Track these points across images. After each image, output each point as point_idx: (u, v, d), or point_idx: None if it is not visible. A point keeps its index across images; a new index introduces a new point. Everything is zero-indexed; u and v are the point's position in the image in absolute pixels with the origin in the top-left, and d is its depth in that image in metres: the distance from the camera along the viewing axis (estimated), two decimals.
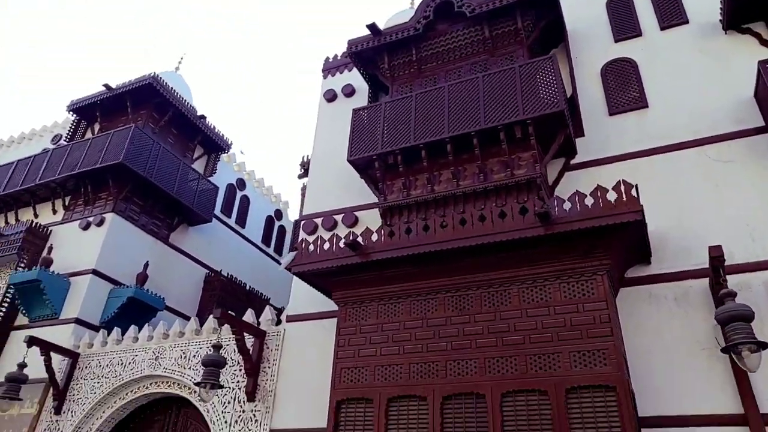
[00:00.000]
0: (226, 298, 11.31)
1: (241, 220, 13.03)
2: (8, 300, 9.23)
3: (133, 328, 8.15)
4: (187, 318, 9.72)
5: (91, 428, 7.60)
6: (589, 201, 5.14)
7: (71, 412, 7.70)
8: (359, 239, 5.85)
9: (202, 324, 7.74)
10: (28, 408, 8.00)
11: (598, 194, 4.96)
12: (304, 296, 7.02)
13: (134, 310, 9.21)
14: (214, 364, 6.02)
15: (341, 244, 6.00)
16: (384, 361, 5.45)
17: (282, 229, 14.58)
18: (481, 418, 4.81)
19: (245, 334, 6.73)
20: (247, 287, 12.04)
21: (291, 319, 6.96)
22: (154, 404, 7.73)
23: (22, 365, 7.47)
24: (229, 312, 6.42)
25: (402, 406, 5.17)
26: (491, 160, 6.21)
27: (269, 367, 6.70)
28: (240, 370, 6.83)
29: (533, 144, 6.02)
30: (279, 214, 14.64)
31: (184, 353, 7.36)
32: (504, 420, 4.72)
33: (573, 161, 6.50)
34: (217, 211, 12.11)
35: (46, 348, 7.76)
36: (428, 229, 5.58)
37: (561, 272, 5.08)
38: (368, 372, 5.46)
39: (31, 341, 7.56)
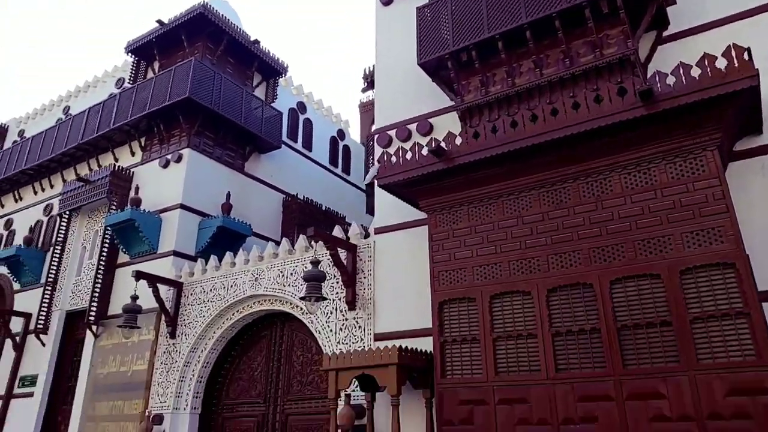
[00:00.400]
0: (305, 220, 11.61)
1: (307, 144, 13.08)
2: (108, 241, 9.83)
3: (229, 254, 8.56)
4: (274, 241, 10.08)
5: (205, 347, 8.23)
6: (695, 72, 4.73)
7: (185, 335, 8.33)
8: (442, 144, 5.72)
9: (293, 245, 8.01)
10: (146, 334, 8.72)
11: (705, 63, 4.56)
12: (389, 208, 7.06)
13: (224, 238, 9.63)
14: (315, 279, 6.25)
15: (424, 152, 5.91)
16: (481, 261, 5.48)
17: (346, 148, 14.57)
18: (590, 307, 4.81)
19: (338, 248, 6.92)
20: (323, 207, 12.30)
21: (379, 231, 7.07)
22: (259, 321, 8.23)
23: (134, 297, 8.06)
24: (318, 231, 6.56)
25: (505, 301, 5.24)
26: (576, 42, 5.80)
27: (365, 278, 6.91)
28: (337, 282, 7.09)
29: (622, 18, 5.54)
30: (341, 134, 14.58)
31: (281, 272, 7.69)
32: (615, 306, 4.70)
33: (665, 33, 5.97)
34: (284, 137, 12.17)
35: (153, 280, 8.30)
36: (516, 124, 5.36)
37: (666, 153, 4.81)
38: (467, 273, 5.53)
39: (138, 275, 8.09)
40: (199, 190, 9.88)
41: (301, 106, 13.33)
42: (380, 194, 7.18)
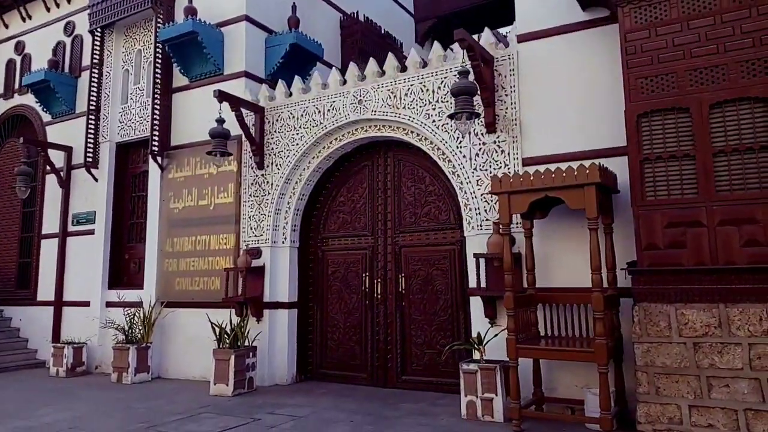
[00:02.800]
0: (366, 45, 10.30)
1: None
2: (160, 61, 8.53)
3: (317, 74, 7.46)
4: (335, 67, 8.91)
5: (299, 178, 7.49)
6: None
7: (276, 165, 7.52)
8: None
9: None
10: (226, 165, 7.88)
11: None
12: (535, 11, 5.95)
13: (296, 58, 8.44)
14: (466, 92, 5.34)
15: None
16: (699, 63, 4.58)
17: None
18: None
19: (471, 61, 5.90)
20: (382, 31, 10.90)
21: (524, 38, 6.00)
22: (357, 151, 7.41)
23: (221, 120, 7.07)
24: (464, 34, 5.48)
25: (729, 112, 4.46)
26: None
27: (506, 95, 6.00)
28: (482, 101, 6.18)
29: None
30: None
31: (392, 93, 6.71)
32: None
33: None
34: None
35: (235, 103, 7.26)
36: None
37: None
38: (675, 79, 4.66)
39: (222, 95, 7.03)
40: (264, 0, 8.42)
41: None
42: None
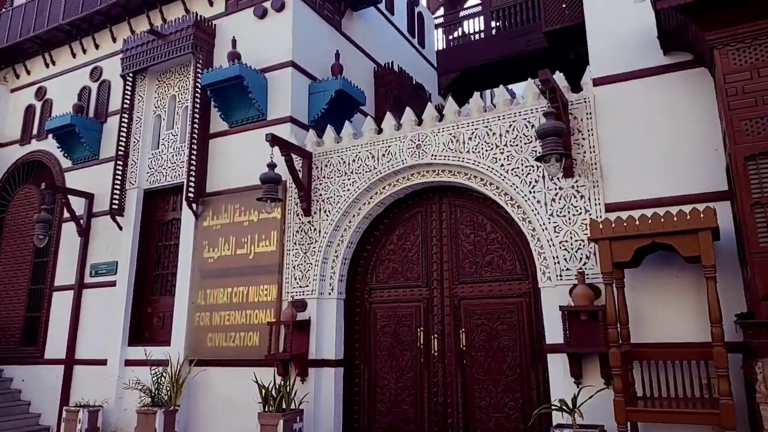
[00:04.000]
0: (400, 94, 10.21)
1: (390, 4, 11.32)
2: (198, 106, 8.26)
3: (368, 121, 7.23)
4: (368, 115, 8.74)
5: (349, 225, 7.09)
6: None
7: (324, 211, 7.14)
8: None
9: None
10: (268, 213, 7.47)
11: None
12: (610, 54, 5.83)
13: (340, 105, 8.24)
14: (554, 133, 5.08)
15: None
16: None
17: (420, 16, 12.81)
18: None
19: (533, 107, 5.70)
20: (413, 81, 10.85)
21: (600, 82, 5.84)
22: (409, 197, 7.08)
23: (272, 165, 6.74)
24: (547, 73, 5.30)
25: None
26: None
27: (583, 139, 5.77)
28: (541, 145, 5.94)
29: None
30: None
31: (454, 137, 6.46)
32: None
33: None
34: None
35: (287, 147, 6.95)
36: None
37: None
38: None
39: (274, 139, 6.71)
40: (307, 47, 8.30)
41: None
42: (597, 40, 5.91)
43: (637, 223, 4.55)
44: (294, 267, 7.17)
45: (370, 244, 7.28)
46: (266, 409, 6.18)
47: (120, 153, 8.85)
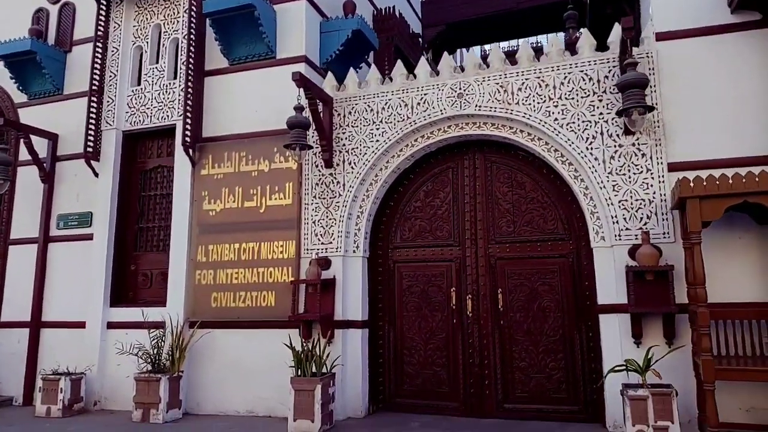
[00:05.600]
0: (400, 42, 9.63)
1: None
2: (194, 39, 7.28)
3: (399, 65, 6.66)
4: (368, 64, 8.20)
5: (375, 180, 6.58)
6: None
7: (348, 163, 6.57)
8: None
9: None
10: (281, 162, 6.82)
11: None
12: (675, 10, 5.61)
13: (354, 48, 7.58)
14: (638, 85, 4.83)
15: None
16: None
17: None
18: None
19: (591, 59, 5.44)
20: (410, 30, 10.27)
21: (663, 37, 5.61)
22: (439, 152, 6.66)
23: (300, 107, 6.05)
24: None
25: None
26: None
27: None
28: (599, 100, 5.69)
29: None
30: None
31: (501, 87, 6.06)
32: None
33: None
34: None
35: (314, 88, 6.26)
36: None
37: None
38: None
39: (302, 79, 6.01)
40: None
41: None
42: None
43: (731, 181, 4.43)
44: (314, 222, 6.59)
45: (393, 200, 6.82)
46: (298, 374, 5.68)
47: (94, 88, 7.71)
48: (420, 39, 10.63)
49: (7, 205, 8.28)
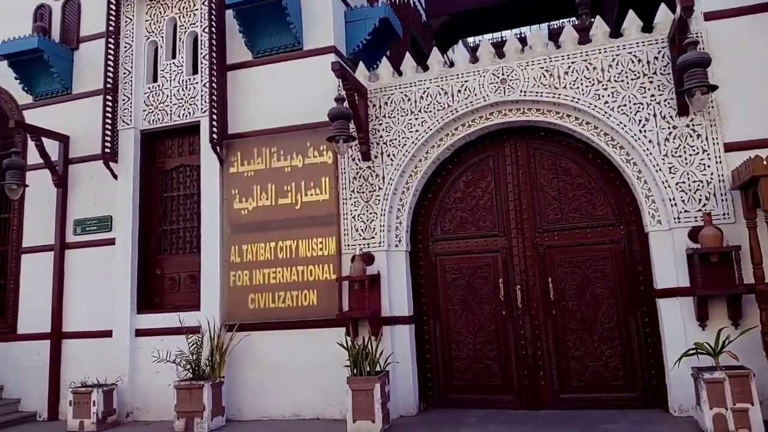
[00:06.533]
0: (416, 32, 9.46)
1: None
2: (215, 32, 7.00)
3: (436, 53, 6.49)
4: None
5: (415, 171, 6.40)
6: None
7: (387, 155, 6.37)
8: None
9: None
10: (315, 156, 6.61)
11: None
12: None
13: (381, 37, 7.39)
14: (701, 64, 4.74)
15: None
16: None
17: None
18: None
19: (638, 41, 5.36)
20: (423, 19, 10.10)
21: (712, 16, 5.54)
22: (478, 141, 6.50)
23: (341, 98, 5.84)
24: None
25: None
26: None
27: None
28: (650, 82, 5.60)
29: None
30: None
31: (547, 71, 5.93)
32: None
33: None
34: None
35: (351, 79, 6.05)
36: None
37: None
38: None
39: (341, 69, 5.79)
40: None
41: None
42: None
43: None
44: (354, 217, 6.39)
45: (431, 192, 6.65)
46: (355, 373, 5.49)
47: (108, 86, 7.36)
48: (430, 29, 10.45)
49: (17, 212, 7.89)
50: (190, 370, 6.16)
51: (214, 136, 6.77)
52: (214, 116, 6.80)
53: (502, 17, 12.09)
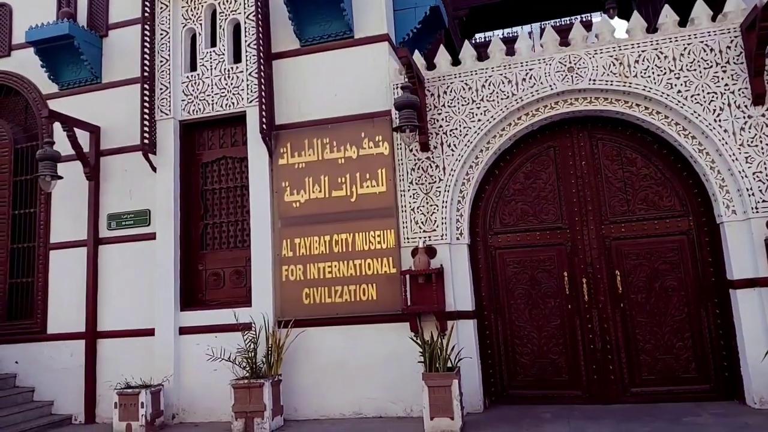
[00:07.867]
0: (450, 22, 9.28)
1: None
2: (261, 19, 6.74)
3: (497, 40, 6.34)
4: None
5: (476, 162, 6.24)
6: None
7: (448, 146, 6.20)
8: None
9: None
10: (371, 147, 6.40)
11: None
12: None
13: (430, 25, 7.22)
14: None
15: None
16: None
17: None
18: None
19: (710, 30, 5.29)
20: (452, 11, 9.93)
21: None
22: (538, 131, 6.37)
23: (407, 86, 5.66)
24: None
25: None
26: None
27: None
28: (723, 71, 5.53)
29: None
30: None
31: (616, 59, 5.82)
32: None
33: None
34: None
35: (415, 68, 5.86)
36: None
37: None
38: None
39: (407, 58, 5.60)
40: None
41: None
42: None
43: None
44: (413, 209, 6.21)
45: (489, 183, 6.50)
46: (430, 369, 5.31)
47: (145, 75, 7.04)
48: (460, 22, 10.30)
49: (44, 206, 7.51)
50: (247, 369, 5.90)
51: (264, 127, 6.52)
52: (264, 106, 6.54)
53: (523, 11, 12.00)
